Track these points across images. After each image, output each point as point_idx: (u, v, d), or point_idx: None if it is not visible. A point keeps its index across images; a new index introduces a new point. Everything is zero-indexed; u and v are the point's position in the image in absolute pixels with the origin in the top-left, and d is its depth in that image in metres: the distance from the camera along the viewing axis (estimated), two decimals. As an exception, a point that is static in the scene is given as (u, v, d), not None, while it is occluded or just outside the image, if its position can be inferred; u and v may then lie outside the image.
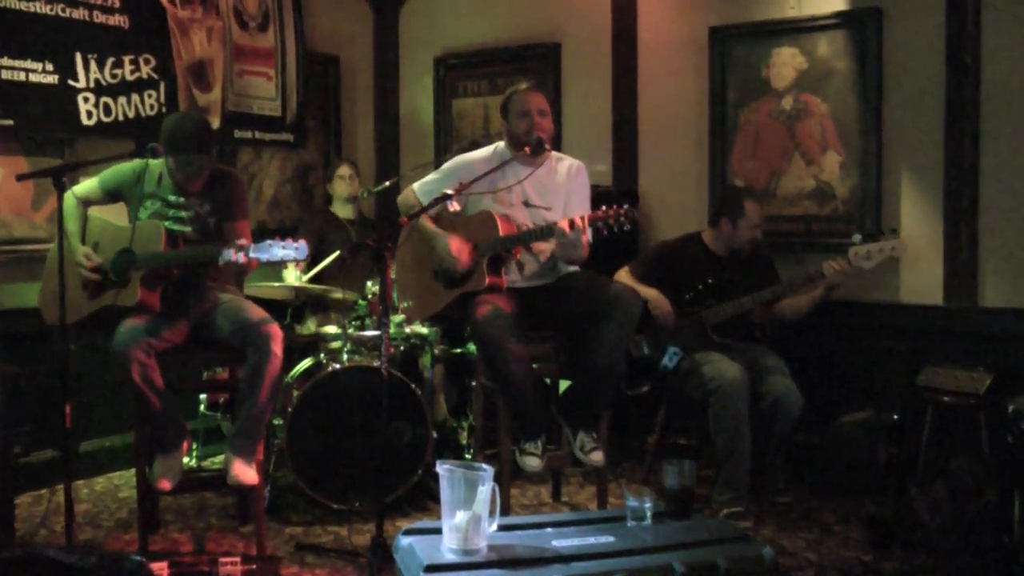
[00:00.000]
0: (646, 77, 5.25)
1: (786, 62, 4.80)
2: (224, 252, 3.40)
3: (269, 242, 3.37)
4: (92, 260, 3.63)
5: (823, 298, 4.22)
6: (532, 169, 3.84)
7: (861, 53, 4.60)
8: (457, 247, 3.81)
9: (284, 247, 3.36)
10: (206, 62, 5.07)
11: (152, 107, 4.83)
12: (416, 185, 4.05)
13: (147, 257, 3.54)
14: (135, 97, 4.76)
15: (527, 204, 3.86)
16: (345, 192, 5.22)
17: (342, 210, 5.30)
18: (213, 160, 3.74)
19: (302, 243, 3.38)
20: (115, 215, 3.82)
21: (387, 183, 5.05)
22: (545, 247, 3.82)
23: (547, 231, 3.64)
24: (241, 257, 3.37)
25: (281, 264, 3.82)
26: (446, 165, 4.01)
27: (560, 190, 3.88)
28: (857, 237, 4.10)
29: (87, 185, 3.79)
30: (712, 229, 4.42)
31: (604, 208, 3.53)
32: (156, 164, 3.73)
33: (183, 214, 3.70)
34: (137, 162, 3.74)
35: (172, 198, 3.70)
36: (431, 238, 3.90)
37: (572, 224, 3.54)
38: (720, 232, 4.35)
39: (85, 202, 3.77)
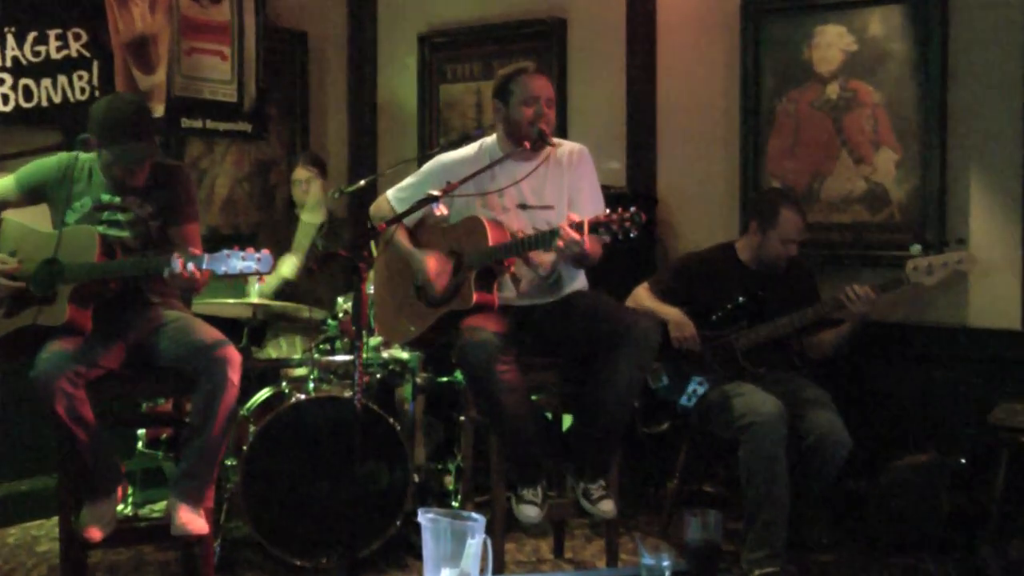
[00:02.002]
0: (666, 60, 5.27)
1: (832, 43, 4.82)
2: (171, 263, 3.37)
3: (226, 252, 3.35)
4: (7, 264, 3.61)
5: (851, 334, 4.23)
6: (530, 166, 3.85)
7: (922, 32, 4.60)
8: (436, 268, 3.83)
9: (244, 258, 3.35)
10: (148, 38, 5.09)
11: (83, 91, 4.85)
12: (390, 193, 4.07)
13: (77, 269, 3.53)
14: (62, 79, 4.78)
15: (523, 207, 3.87)
16: (299, 198, 5.24)
17: (310, 215, 5.32)
18: (156, 150, 3.74)
19: (265, 254, 3.37)
20: (37, 219, 3.82)
21: (362, 182, 5.06)
22: (546, 258, 3.83)
23: (547, 238, 3.63)
24: (191, 269, 3.35)
25: (240, 278, 3.82)
26: (423, 169, 4.04)
27: (562, 183, 3.89)
28: (916, 248, 4.11)
29: (1, 184, 3.78)
30: (745, 238, 4.44)
31: (608, 211, 3.54)
32: (86, 158, 3.73)
33: (120, 217, 3.70)
34: (63, 156, 3.75)
35: (107, 198, 3.70)
36: (407, 256, 3.93)
37: (575, 226, 3.54)
38: (751, 241, 4.38)
39: None
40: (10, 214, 3.78)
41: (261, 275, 3.56)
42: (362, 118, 6.21)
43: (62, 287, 3.55)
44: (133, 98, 4.02)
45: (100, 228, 3.64)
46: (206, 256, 3.37)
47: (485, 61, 5.75)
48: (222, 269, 3.36)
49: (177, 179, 3.80)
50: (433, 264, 3.83)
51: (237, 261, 3.35)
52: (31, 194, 3.77)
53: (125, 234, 3.69)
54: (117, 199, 3.70)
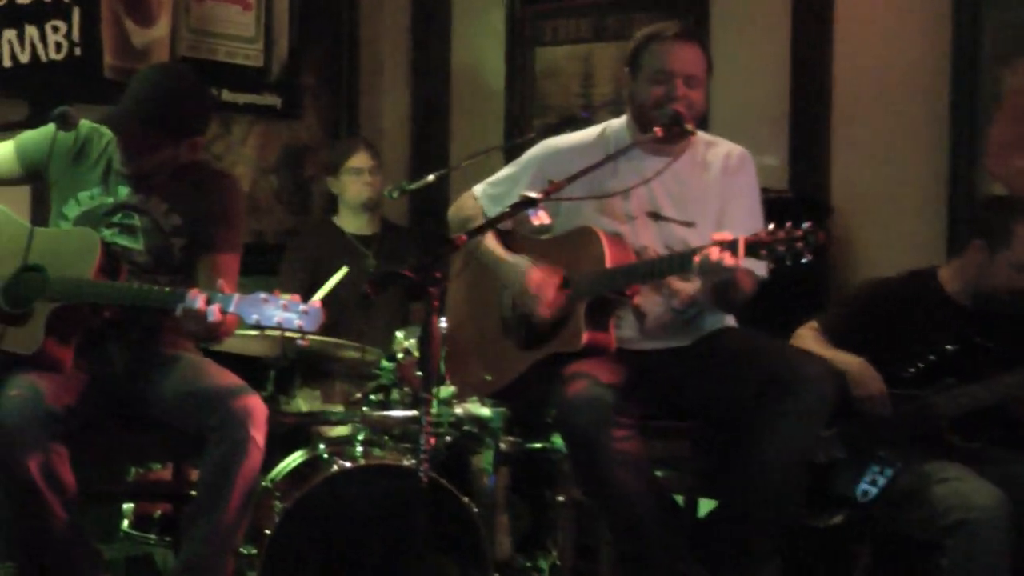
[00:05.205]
0: (846, 24, 5.22)
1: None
2: (187, 299, 3.41)
3: (262, 295, 3.38)
4: None
5: None
6: (666, 162, 3.87)
7: None
8: (540, 280, 3.86)
9: (286, 307, 3.36)
10: (146, -21, 5.21)
11: (58, 47, 4.92)
12: (478, 188, 4.14)
13: (64, 284, 3.57)
14: (31, 31, 4.84)
15: (655, 216, 3.91)
16: (360, 195, 5.32)
17: (352, 221, 5.33)
18: (192, 150, 3.82)
19: (314, 307, 3.39)
20: (19, 207, 3.95)
21: (430, 177, 5.08)
22: (683, 287, 3.86)
23: (686, 260, 3.62)
24: (214, 311, 3.38)
25: (276, 331, 3.81)
26: (525, 156, 4.09)
27: (711, 194, 3.93)
28: None
29: None
30: (956, 262, 4.38)
31: (772, 227, 3.54)
32: (109, 137, 3.81)
33: (136, 221, 3.78)
34: (84, 125, 3.84)
35: (125, 192, 3.79)
36: (499, 267, 3.98)
37: (726, 246, 3.54)
38: (966, 265, 4.32)
39: None
40: None
41: (304, 335, 3.62)
42: (430, 92, 6.25)
43: (40, 305, 3.58)
44: (179, 71, 4.09)
45: (106, 233, 3.72)
46: (235, 297, 3.40)
47: (597, 17, 5.76)
48: (253, 318, 3.38)
49: (221, 191, 3.90)
50: (537, 276, 3.86)
51: (275, 310, 3.37)
52: (31, 170, 3.88)
53: (137, 246, 3.78)
54: (136, 198, 3.79)
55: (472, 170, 4.73)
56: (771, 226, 3.54)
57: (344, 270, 4.78)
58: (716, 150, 3.97)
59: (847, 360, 4.20)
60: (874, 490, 4.17)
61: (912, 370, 4.24)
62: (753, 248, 3.49)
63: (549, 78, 5.92)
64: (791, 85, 5.31)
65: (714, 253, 3.51)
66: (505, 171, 4.10)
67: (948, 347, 4.22)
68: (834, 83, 5.25)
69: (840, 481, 4.23)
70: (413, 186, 5.14)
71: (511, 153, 4.28)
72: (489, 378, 4.03)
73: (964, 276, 4.32)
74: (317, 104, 5.97)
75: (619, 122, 4.04)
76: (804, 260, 3.47)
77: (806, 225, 3.48)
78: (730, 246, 3.49)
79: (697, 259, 3.52)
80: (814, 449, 3.93)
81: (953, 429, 4.18)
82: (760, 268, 3.75)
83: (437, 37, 6.23)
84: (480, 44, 6.14)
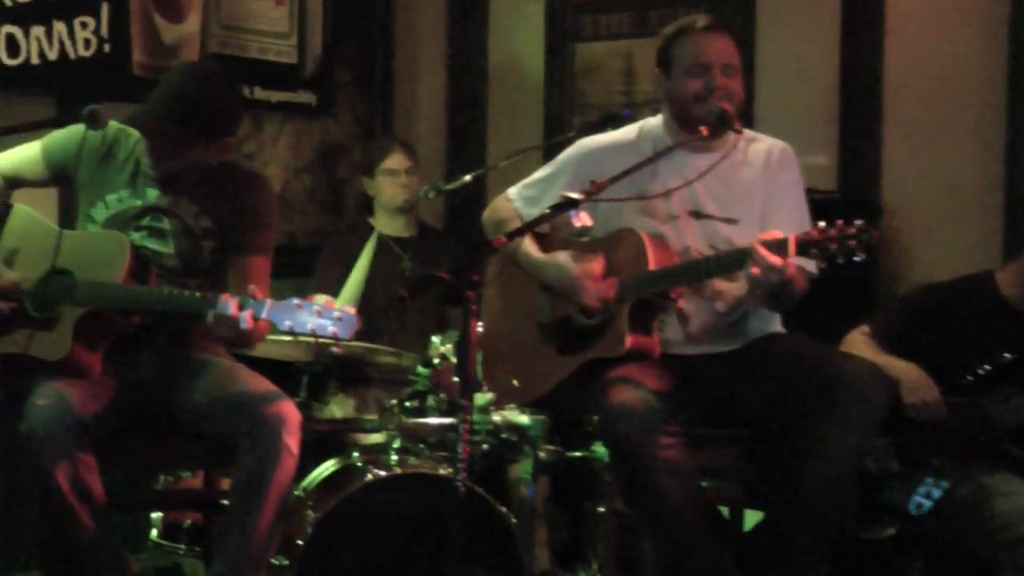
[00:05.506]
0: (898, 18, 5.20)
1: None
2: (219, 304, 3.43)
3: (295, 301, 3.39)
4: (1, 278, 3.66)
5: None
6: (709, 160, 3.86)
7: None
8: (584, 271, 3.85)
9: (320, 313, 3.38)
10: (177, -28, 5.22)
11: (87, 44, 4.92)
12: (513, 190, 4.15)
13: (92, 289, 3.57)
14: (59, 27, 4.83)
15: (697, 215, 3.90)
16: (396, 197, 5.31)
17: (388, 223, 5.33)
18: (222, 151, 3.82)
19: (348, 313, 3.40)
20: (46, 210, 3.93)
21: (467, 178, 5.04)
22: (729, 287, 3.83)
23: (733, 261, 3.64)
24: (245, 317, 3.40)
25: (311, 338, 3.83)
26: (560, 157, 4.10)
27: (753, 191, 3.92)
28: None
29: (20, 154, 3.89)
30: (1013, 265, 4.35)
31: (823, 226, 3.52)
32: (137, 138, 3.80)
33: (165, 224, 3.77)
34: (113, 126, 3.83)
35: (153, 194, 3.78)
36: (540, 268, 3.98)
37: (775, 245, 3.53)
38: (1021, 270, 4.29)
39: (12, 181, 3.88)
40: (23, 199, 3.87)
41: (339, 342, 3.62)
42: (466, 88, 6.25)
43: (68, 309, 3.57)
44: (208, 70, 4.06)
45: (135, 236, 3.72)
46: (268, 303, 3.41)
47: (639, 11, 5.75)
48: (286, 324, 3.39)
49: (253, 191, 3.89)
50: (581, 267, 3.85)
51: (308, 317, 3.38)
52: (59, 172, 3.88)
53: (167, 249, 3.78)
54: (165, 200, 3.80)
55: (510, 170, 4.72)
56: (822, 223, 3.52)
57: (362, 271, 4.78)
58: (757, 146, 3.96)
59: (900, 366, 4.18)
60: (928, 503, 4.14)
61: (966, 379, 4.21)
62: (804, 247, 3.48)
63: (589, 75, 5.90)
64: (840, 81, 5.30)
65: (762, 255, 3.50)
66: (540, 172, 4.09)
67: (1006, 355, 4.19)
68: (885, 79, 5.24)
69: (893, 493, 4.20)
70: (449, 187, 5.10)
71: (550, 152, 4.28)
72: (516, 384, 4.02)
73: (1021, 280, 4.29)
74: (351, 102, 5.97)
75: (656, 121, 4.03)
76: (857, 259, 3.45)
77: (858, 222, 3.47)
78: (779, 245, 3.48)
79: (756, 270, 3.50)
80: (865, 459, 3.91)
81: (1012, 439, 4.15)
82: (811, 265, 3.71)
83: (474, 32, 6.22)
84: (518, 39, 6.14)
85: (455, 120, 6.27)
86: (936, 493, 4.13)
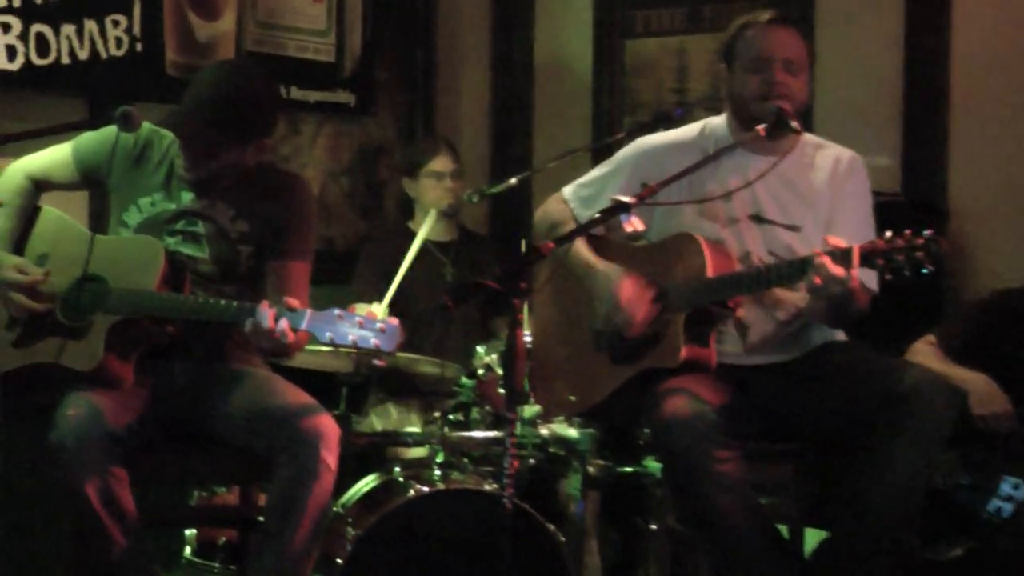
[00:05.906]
0: (965, 13, 5.17)
1: None
2: (257, 313, 3.45)
3: (337, 312, 3.40)
4: (31, 274, 3.67)
5: None
6: (770, 161, 3.86)
7: None
8: (631, 296, 3.84)
9: (363, 325, 3.38)
10: (211, -32, 5.24)
11: (119, 43, 4.93)
12: (567, 190, 4.16)
13: (125, 297, 3.58)
14: (90, 26, 4.84)
15: (758, 220, 3.91)
16: (440, 200, 5.30)
17: (430, 228, 5.24)
18: (259, 152, 3.82)
19: (392, 325, 3.41)
20: (77, 213, 3.96)
21: (512, 180, 5.00)
22: (788, 297, 3.85)
23: (795, 270, 3.62)
24: (283, 328, 3.41)
25: (352, 349, 3.85)
26: (618, 155, 4.11)
27: (818, 198, 3.92)
28: None
29: (50, 156, 3.90)
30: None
31: (889, 235, 3.50)
32: (170, 140, 3.83)
33: (200, 228, 3.79)
34: (146, 127, 3.84)
35: (188, 198, 3.79)
36: (590, 276, 3.96)
37: (839, 256, 3.50)
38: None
39: (40, 183, 3.89)
40: (52, 203, 3.90)
41: (381, 356, 3.65)
42: (511, 87, 6.22)
43: (100, 318, 3.59)
44: (246, 70, 4.08)
45: (169, 241, 3.75)
46: (308, 313, 3.42)
47: (692, 6, 5.73)
48: (327, 335, 3.40)
49: (291, 194, 3.90)
50: (628, 288, 3.83)
51: (349, 328, 3.39)
52: (90, 175, 3.89)
53: (202, 255, 3.80)
54: (200, 203, 3.82)
55: (557, 172, 4.70)
56: (888, 233, 3.51)
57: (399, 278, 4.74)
58: (825, 152, 3.96)
59: (969, 377, 4.14)
60: (1009, 507, 4.13)
61: (1042, 388, 4.20)
62: (868, 257, 3.47)
63: (640, 72, 5.89)
64: (904, 79, 5.29)
65: (826, 265, 3.48)
66: (597, 171, 4.10)
67: (1079, 364, 4.17)
68: (952, 77, 5.22)
69: (966, 499, 4.18)
70: (494, 190, 5.09)
71: (599, 154, 4.27)
72: (573, 399, 4.03)
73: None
74: (392, 102, 5.99)
75: (719, 120, 4.04)
76: (924, 271, 3.45)
77: (927, 232, 3.45)
78: (843, 255, 3.46)
79: (818, 280, 3.49)
80: (933, 474, 3.86)
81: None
82: (872, 281, 3.70)
83: (519, 29, 6.21)
84: (565, 36, 6.12)
85: (499, 120, 6.25)
86: (1020, 495, 4.13)
